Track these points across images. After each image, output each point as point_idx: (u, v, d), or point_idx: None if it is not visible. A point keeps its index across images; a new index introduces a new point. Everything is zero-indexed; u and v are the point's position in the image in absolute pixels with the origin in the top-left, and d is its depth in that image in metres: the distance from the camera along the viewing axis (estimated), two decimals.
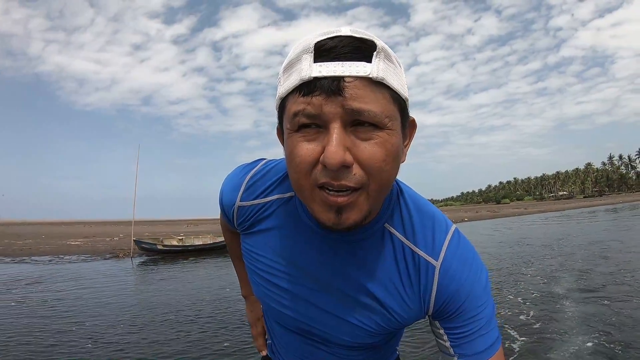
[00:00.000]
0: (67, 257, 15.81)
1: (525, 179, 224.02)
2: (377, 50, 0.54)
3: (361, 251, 0.70)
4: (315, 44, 0.54)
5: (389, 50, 0.57)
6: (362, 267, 0.70)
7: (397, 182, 0.74)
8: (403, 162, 0.63)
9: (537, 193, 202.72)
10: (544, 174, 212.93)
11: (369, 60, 0.53)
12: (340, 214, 0.57)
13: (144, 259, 14.96)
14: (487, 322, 0.68)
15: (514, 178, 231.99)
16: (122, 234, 27.25)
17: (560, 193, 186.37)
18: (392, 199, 0.71)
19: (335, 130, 0.53)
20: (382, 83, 0.54)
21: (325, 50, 0.54)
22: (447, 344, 0.70)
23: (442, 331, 0.71)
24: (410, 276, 0.69)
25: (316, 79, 0.53)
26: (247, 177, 0.79)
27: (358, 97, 0.53)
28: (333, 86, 0.52)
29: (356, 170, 0.55)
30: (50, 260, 14.93)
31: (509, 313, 5.70)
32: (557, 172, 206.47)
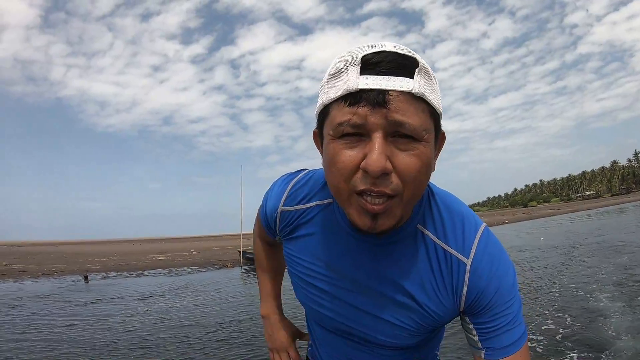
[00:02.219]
0: (180, 269, 17.72)
1: (551, 180, 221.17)
2: (419, 67, 0.57)
3: (396, 252, 0.73)
4: (362, 57, 0.57)
5: (429, 67, 0.60)
6: (397, 267, 0.73)
7: (428, 185, 0.75)
8: (433, 170, 0.66)
9: (564, 194, 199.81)
10: (569, 175, 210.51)
11: (412, 76, 0.56)
12: (375, 220, 0.61)
13: (248, 267, 17.01)
14: (514, 317, 0.70)
15: (540, 180, 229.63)
16: (192, 249, 29.61)
17: (588, 193, 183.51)
18: (422, 200, 0.73)
19: (378, 139, 0.56)
20: (422, 98, 0.57)
21: (371, 64, 0.56)
22: (476, 338, 0.72)
23: (471, 326, 0.72)
24: (443, 274, 0.71)
25: (362, 90, 0.56)
26: (290, 185, 0.84)
27: (400, 110, 0.55)
28: (379, 98, 0.55)
29: (394, 178, 0.58)
30: (168, 273, 16.74)
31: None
32: (583, 172, 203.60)
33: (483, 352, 0.71)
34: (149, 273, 16.98)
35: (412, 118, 0.56)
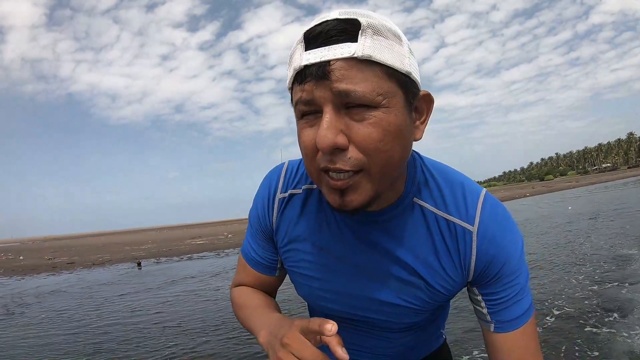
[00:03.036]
0: (228, 251, 17.64)
1: (567, 153, 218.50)
2: (362, 28, 0.52)
3: (394, 229, 0.69)
4: (305, 32, 0.55)
5: (382, 25, 0.55)
6: (398, 245, 0.69)
7: (420, 157, 0.73)
8: (418, 139, 0.62)
9: (581, 167, 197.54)
10: (586, 147, 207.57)
11: (355, 40, 0.52)
12: (343, 197, 0.57)
13: None
14: (522, 287, 0.68)
15: (556, 153, 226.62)
16: (225, 232, 30.60)
17: (604, 165, 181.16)
18: (416, 173, 0.70)
19: (327, 113, 0.53)
20: (371, 60, 0.53)
21: (313, 38, 0.54)
22: (485, 310, 0.70)
23: (480, 297, 0.70)
24: (448, 245, 0.68)
25: (306, 66, 0.54)
26: (282, 171, 0.80)
27: (345, 78, 0.52)
28: (320, 71, 0.52)
29: (352, 152, 0.54)
30: (217, 255, 16.66)
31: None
32: (599, 144, 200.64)
33: (492, 325, 0.70)
34: (198, 256, 16.92)
35: (359, 85, 0.52)
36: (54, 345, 4.94)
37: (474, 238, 0.67)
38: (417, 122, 0.62)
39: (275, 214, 0.80)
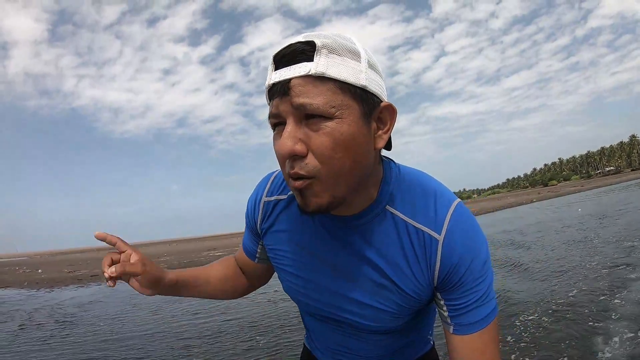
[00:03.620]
0: None
1: (570, 158, 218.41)
2: (317, 48, 0.59)
3: (368, 234, 0.74)
4: (274, 55, 0.62)
5: (339, 44, 0.61)
6: (371, 249, 0.74)
7: (397, 165, 0.78)
8: (379, 148, 0.67)
9: (584, 171, 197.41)
10: (588, 151, 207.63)
11: (311, 59, 0.59)
12: (303, 198, 0.63)
13: None
14: (483, 294, 0.71)
15: (559, 159, 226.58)
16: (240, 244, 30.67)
17: (608, 169, 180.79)
18: (390, 181, 0.74)
19: (289, 125, 0.61)
20: (324, 77, 0.59)
21: (279, 59, 0.61)
22: (446, 313, 0.73)
23: (442, 302, 0.73)
24: (416, 252, 0.71)
25: (273, 85, 0.62)
26: (271, 178, 0.88)
27: (302, 93, 0.59)
28: (282, 88, 0.60)
29: (309, 159, 0.61)
30: None
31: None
32: (602, 148, 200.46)
33: (452, 327, 0.73)
34: None
35: (315, 99, 0.58)
36: (136, 345, 5.04)
37: (440, 246, 0.69)
38: (380, 132, 0.66)
39: (260, 216, 0.88)
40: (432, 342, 0.99)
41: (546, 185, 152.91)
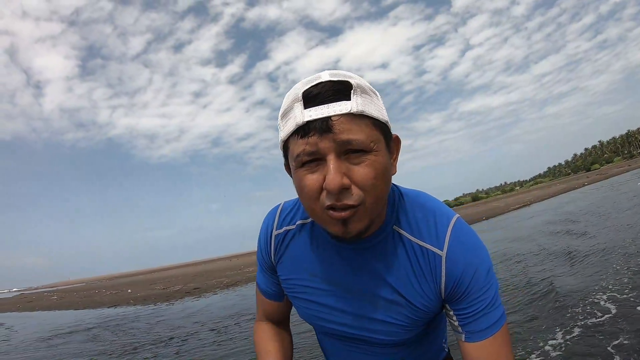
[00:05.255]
0: None
1: (610, 139, 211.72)
2: (353, 88, 0.64)
3: (378, 254, 0.79)
4: (303, 93, 0.65)
5: (364, 84, 0.67)
6: (382, 268, 0.79)
7: (398, 188, 0.84)
8: (394, 174, 0.74)
9: (626, 152, 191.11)
10: (628, 131, 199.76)
11: (349, 98, 0.64)
12: (346, 226, 0.68)
13: None
14: (490, 301, 0.75)
15: (599, 141, 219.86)
16: None
17: None
18: (395, 204, 0.80)
19: (332, 160, 0.64)
20: (363, 114, 0.65)
21: (312, 97, 0.64)
22: (456, 323, 0.78)
23: (451, 312, 0.78)
24: (423, 269, 0.77)
25: (309, 122, 0.64)
26: (278, 211, 0.92)
27: (345, 130, 0.63)
28: (323, 126, 0.63)
29: (354, 190, 0.65)
30: None
31: None
32: None
33: (463, 335, 0.77)
34: None
35: (357, 134, 0.64)
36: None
37: (443, 261, 0.75)
38: (391, 160, 0.74)
39: (273, 250, 0.91)
40: (446, 350, 1.04)
41: (589, 169, 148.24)
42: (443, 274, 0.75)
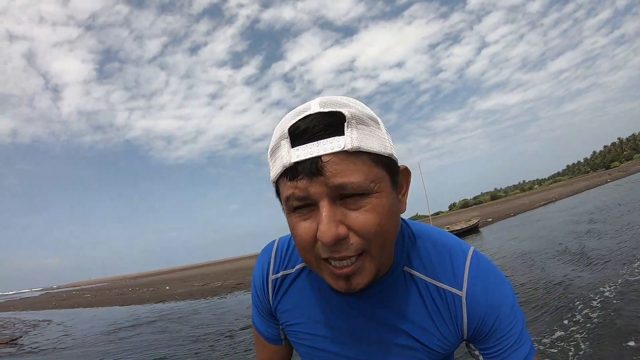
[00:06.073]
0: None
1: (630, 136, 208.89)
2: (347, 120, 0.54)
3: (389, 299, 0.71)
4: (289, 128, 0.56)
5: (361, 113, 0.57)
6: (393, 313, 0.72)
7: (407, 223, 0.75)
8: (403, 211, 0.65)
9: None
10: None
11: (342, 133, 0.54)
12: (349, 281, 0.59)
13: None
14: (517, 337, 0.69)
15: (618, 138, 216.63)
16: None
17: None
18: (405, 243, 0.72)
19: (324, 208, 0.55)
20: (360, 151, 0.55)
21: (299, 134, 0.55)
22: None
23: (477, 352, 0.72)
24: (440, 311, 0.70)
25: (297, 163, 0.55)
26: (273, 253, 0.83)
27: (338, 172, 0.54)
28: (312, 168, 0.54)
29: (353, 239, 0.57)
30: None
31: None
32: None
33: None
34: None
35: (353, 176, 0.54)
36: None
37: (464, 302, 0.68)
38: (400, 196, 0.65)
39: (270, 295, 0.83)
40: None
41: (608, 167, 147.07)
42: (464, 315, 0.69)
